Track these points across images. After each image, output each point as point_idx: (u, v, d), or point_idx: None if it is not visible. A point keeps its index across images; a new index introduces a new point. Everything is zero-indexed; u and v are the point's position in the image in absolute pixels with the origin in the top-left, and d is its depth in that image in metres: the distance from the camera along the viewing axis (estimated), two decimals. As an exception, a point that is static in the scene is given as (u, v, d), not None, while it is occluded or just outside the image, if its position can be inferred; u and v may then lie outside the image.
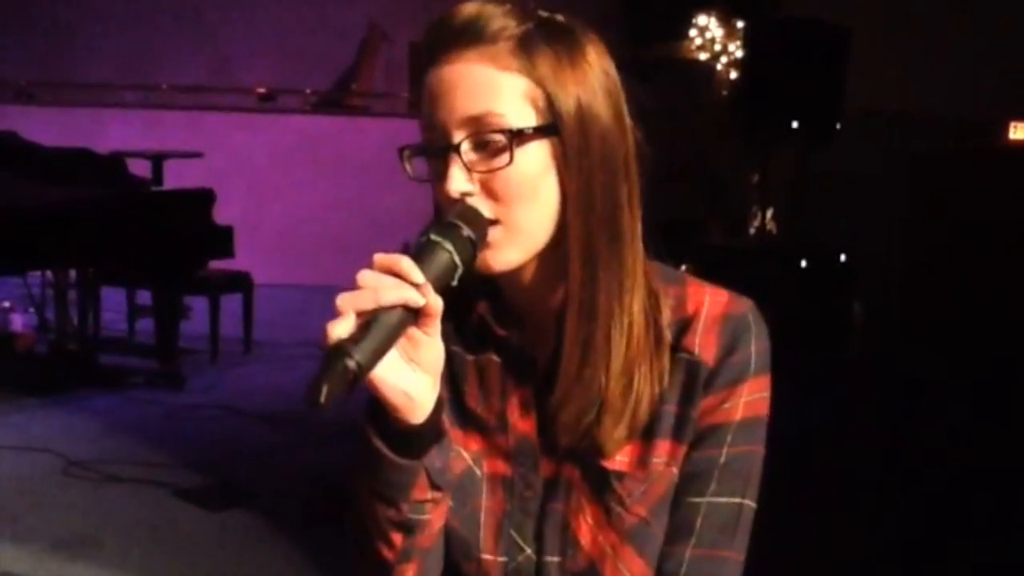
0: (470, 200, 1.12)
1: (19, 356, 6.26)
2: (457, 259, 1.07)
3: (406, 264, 1.02)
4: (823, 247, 6.32)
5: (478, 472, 1.25)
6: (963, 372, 5.60)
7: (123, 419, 5.31)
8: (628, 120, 1.18)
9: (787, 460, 1.55)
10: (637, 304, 1.19)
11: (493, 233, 1.12)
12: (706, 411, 1.20)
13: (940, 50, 6.52)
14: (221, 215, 5.86)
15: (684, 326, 1.21)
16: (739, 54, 6.81)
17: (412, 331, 1.04)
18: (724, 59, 6.96)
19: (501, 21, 1.12)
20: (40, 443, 4.86)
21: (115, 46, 9.57)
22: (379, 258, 1.03)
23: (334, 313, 1.00)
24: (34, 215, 4.96)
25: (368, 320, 1.00)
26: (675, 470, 1.21)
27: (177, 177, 6.69)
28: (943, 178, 6.41)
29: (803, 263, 6.08)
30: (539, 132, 1.12)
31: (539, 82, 1.12)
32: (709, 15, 6.96)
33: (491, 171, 1.11)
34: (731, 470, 1.21)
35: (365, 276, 1.02)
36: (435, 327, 1.05)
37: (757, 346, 1.21)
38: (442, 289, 1.05)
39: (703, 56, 7.01)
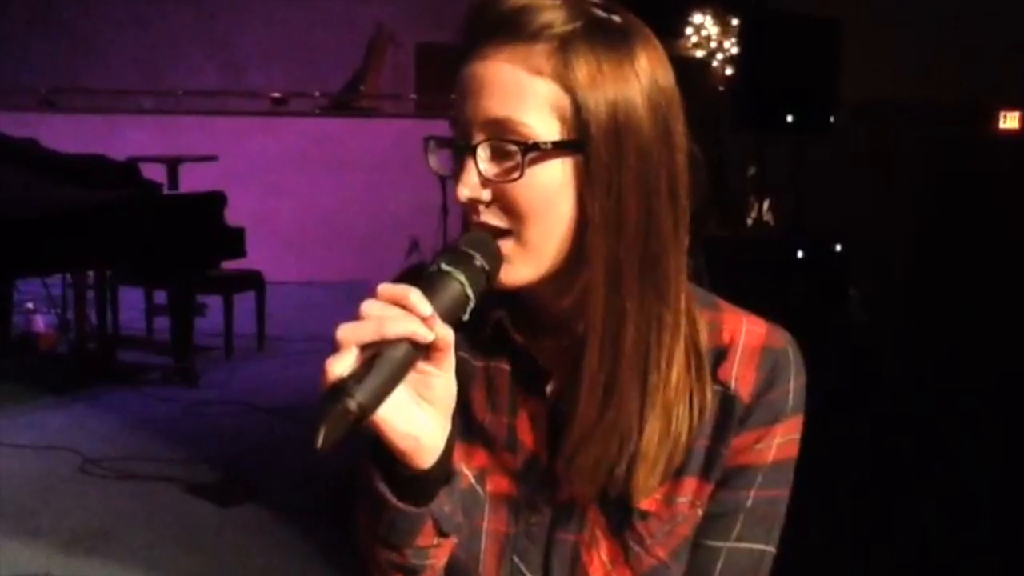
0: (482, 209, 1.04)
1: (41, 355, 6.40)
2: (470, 291, 0.98)
3: (414, 297, 0.93)
4: (819, 237, 6.38)
5: (480, 491, 1.15)
6: (968, 358, 5.58)
7: (139, 415, 5.42)
8: (680, 137, 1.06)
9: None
10: (680, 343, 1.08)
11: (504, 245, 1.04)
12: (737, 450, 1.12)
13: (929, 40, 6.57)
14: (235, 216, 5.99)
15: (719, 356, 1.12)
16: (734, 50, 6.86)
17: (421, 365, 0.96)
18: (720, 56, 7.04)
19: (548, 16, 1.02)
20: (58, 440, 4.97)
21: (132, 53, 9.71)
22: (384, 289, 0.94)
23: (336, 346, 0.92)
24: (53, 219, 5.09)
25: (372, 356, 0.91)
26: (700, 511, 1.13)
27: (192, 180, 6.82)
28: (948, 164, 6.46)
29: (799, 253, 6.15)
30: (559, 148, 1.02)
31: (571, 90, 1.01)
32: (705, 13, 7.04)
33: (502, 182, 1.03)
34: (757, 515, 1.14)
35: (369, 306, 0.93)
36: (446, 362, 0.97)
37: (795, 384, 1.13)
38: (453, 322, 0.97)
39: (699, 53, 7.08)
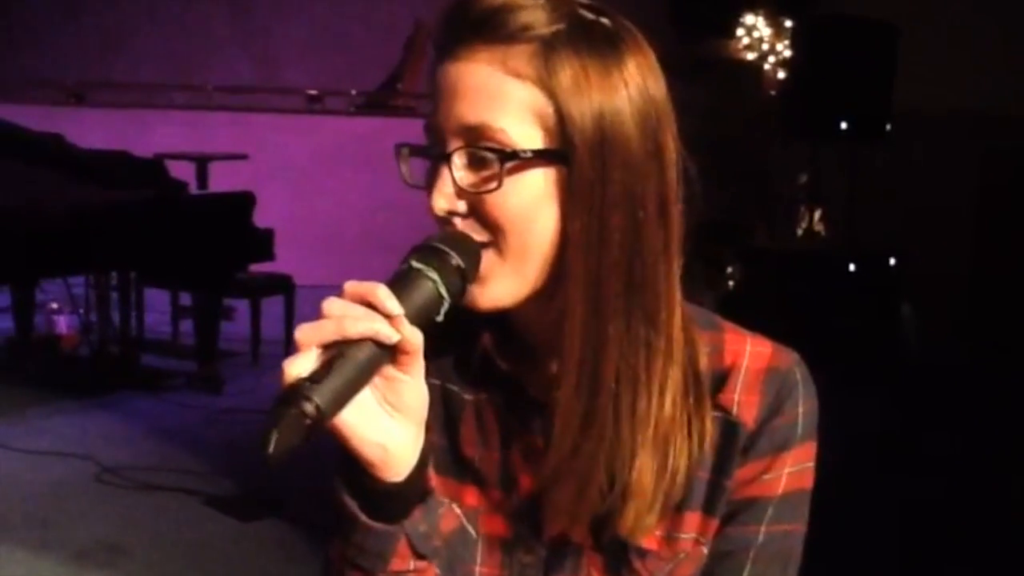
0: (458, 221, 0.98)
1: (63, 357, 6.33)
2: (443, 290, 0.92)
3: (381, 293, 0.88)
4: (872, 250, 6.21)
5: (472, 532, 1.08)
6: None
7: (160, 423, 5.34)
8: (672, 152, 0.99)
9: (842, 467, 1.37)
10: (675, 369, 1.01)
11: (483, 260, 0.98)
12: (743, 481, 1.04)
13: (990, 47, 6.38)
14: (266, 216, 5.88)
15: (721, 379, 1.05)
16: (787, 54, 6.72)
17: (389, 370, 0.90)
18: (772, 59, 6.88)
19: (528, 16, 0.95)
20: (75, 447, 4.90)
21: (164, 47, 9.65)
22: (350, 286, 0.89)
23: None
24: (76, 219, 5.01)
25: (333, 357, 0.85)
26: (705, 549, 1.06)
27: (223, 178, 6.71)
28: (1010, 177, 6.29)
29: (851, 267, 5.98)
30: (539, 157, 0.95)
31: (553, 96, 0.94)
32: (757, 14, 6.88)
33: (478, 193, 0.96)
34: (769, 552, 1.06)
35: (331, 304, 0.88)
36: (415, 366, 0.90)
37: (805, 407, 1.05)
38: (425, 324, 0.90)
39: (750, 56, 6.93)
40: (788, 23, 6.73)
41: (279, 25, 9.71)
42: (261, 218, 5.81)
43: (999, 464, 4.64)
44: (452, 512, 1.07)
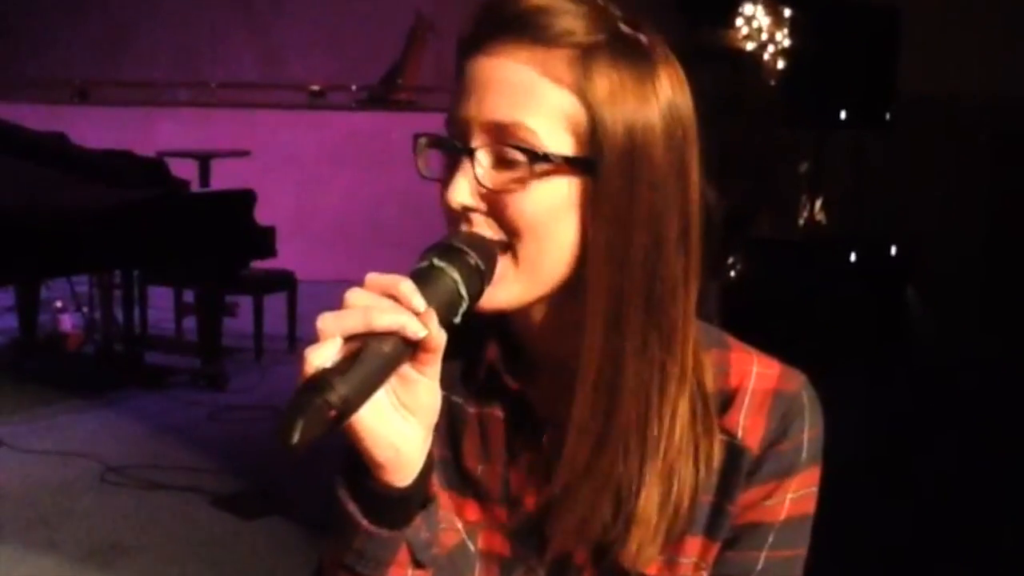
0: (474, 218, 0.96)
1: (68, 356, 6.33)
2: (463, 290, 0.90)
3: (406, 288, 0.85)
4: (874, 239, 6.19)
5: (472, 547, 1.06)
6: None
7: (164, 421, 5.35)
8: (695, 175, 0.98)
9: (844, 460, 1.34)
10: (686, 395, 1.00)
11: (498, 266, 0.96)
12: (746, 506, 1.03)
13: (994, 31, 6.34)
14: (269, 213, 5.87)
15: (726, 401, 1.03)
16: (786, 43, 6.70)
17: (406, 370, 0.87)
18: (771, 48, 6.85)
19: (570, 23, 0.94)
20: (80, 446, 4.91)
21: (168, 44, 9.65)
22: (372, 277, 0.86)
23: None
24: (78, 219, 5.01)
25: (356, 349, 0.82)
26: (705, 574, 1.04)
27: (226, 175, 6.72)
28: (1014, 163, 6.25)
29: (852, 256, 5.97)
30: (569, 165, 0.94)
31: (588, 105, 0.93)
32: (756, 4, 6.85)
33: (501, 192, 0.94)
34: None
35: (356, 295, 0.85)
36: (433, 366, 0.88)
37: (810, 433, 1.03)
38: (444, 324, 0.88)
39: (750, 45, 6.91)
40: (787, 12, 6.71)
41: (281, 20, 9.69)
42: (264, 214, 5.80)
43: (1006, 456, 4.61)
44: (454, 528, 1.05)
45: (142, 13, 9.64)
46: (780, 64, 6.78)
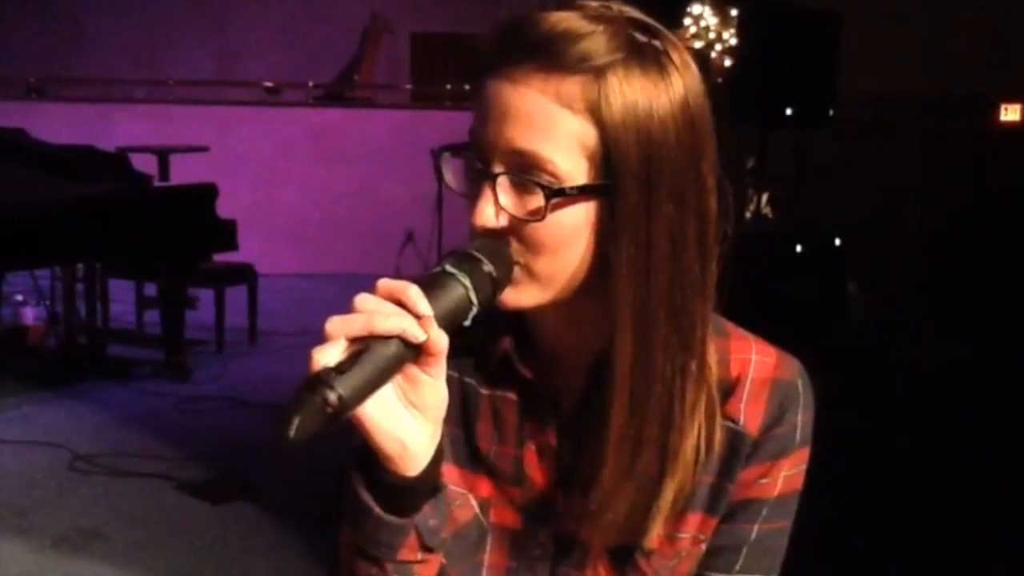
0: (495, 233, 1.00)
1: (30, 349, 6.33)
2: (473, 296, 0.93)
3: (413, 293, 0.89)
4: (818, 231, 6.35)
5: (485, 523, 1.12)
6: (973, 356, 5.53)
7: (130, 411, 5.37)
8: (710, 179, 1.00)
9: None
10: (703, 391, 1.04)
11: (514, 272, 0.99)
12: (743, 484, 1.09)
13: (929, 32, 6.55)
14: (228, 207, 5.92)
15: (727, 390, 1.08)
16: (733, 42, 6.82)
17: (412, 370, 0.91)
18: (718, 47, 6.98)
19: (588, 45, 0.95)
20: (47, 436, 4.92)
21: (124, 41, 9.65)
22: (383, 283, 0.90)
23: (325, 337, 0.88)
24: (41, 212, 5.02)
25: (360, 351, 0.87)
26: (703, 546, 1.11)
27: (184, 170, 6.76)
28: (949, 157, 6.44)
29: (798, 248, 6.12)
30: (585, 193, 0.96)
31: (602, 127, 0.95)
32: (703, 3, 6.98)
33: (524, 221, 0.97)
34: (761, 547, 1.12)
35: (363, 300, 0.89)
36: (438, 368, 0.92)
37: (804, 417, 1.10)
38: (452, 328, 0.92)
39: (698, 44, 7.02)
40: (734, 12, 6.82)
41: (238, 18, 9.73)
42: (223, 209, 5.86)
43: (944, 437, 4.73)
44: (468, 504, 1.11)
45: (99, 10, 9.63)
46: (727, 63, 6.90)
